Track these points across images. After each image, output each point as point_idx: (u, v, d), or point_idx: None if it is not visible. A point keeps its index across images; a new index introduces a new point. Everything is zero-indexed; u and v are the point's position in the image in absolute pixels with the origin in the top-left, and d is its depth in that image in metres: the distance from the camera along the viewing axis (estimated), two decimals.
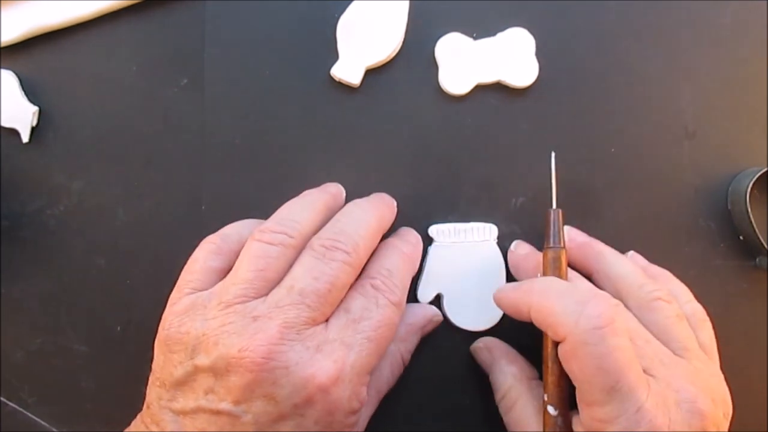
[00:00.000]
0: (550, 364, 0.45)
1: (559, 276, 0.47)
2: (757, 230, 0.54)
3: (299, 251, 0.44)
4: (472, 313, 0.53)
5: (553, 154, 0.53)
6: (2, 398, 0.55)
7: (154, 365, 0.44)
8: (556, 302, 0.43)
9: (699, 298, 0.54)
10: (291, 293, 0.41)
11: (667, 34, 0.56)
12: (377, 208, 0.49)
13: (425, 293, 0.53)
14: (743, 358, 0.56)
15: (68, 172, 0.56)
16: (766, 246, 0.54)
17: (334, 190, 0.52)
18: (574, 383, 0.42)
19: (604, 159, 0.55)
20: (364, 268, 0.46)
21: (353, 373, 0.42)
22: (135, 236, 0.56)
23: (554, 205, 0.51)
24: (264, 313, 0.41)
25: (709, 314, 0.54)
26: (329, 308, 0.43)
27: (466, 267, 0.53)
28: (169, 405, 0.42)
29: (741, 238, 0.56)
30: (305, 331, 0.41)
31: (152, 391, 0.43)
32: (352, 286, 0.45)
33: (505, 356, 0.51)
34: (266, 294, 0.42)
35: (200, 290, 0.44)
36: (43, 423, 0.55)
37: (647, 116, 0.56)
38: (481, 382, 0.53)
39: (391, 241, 0.50)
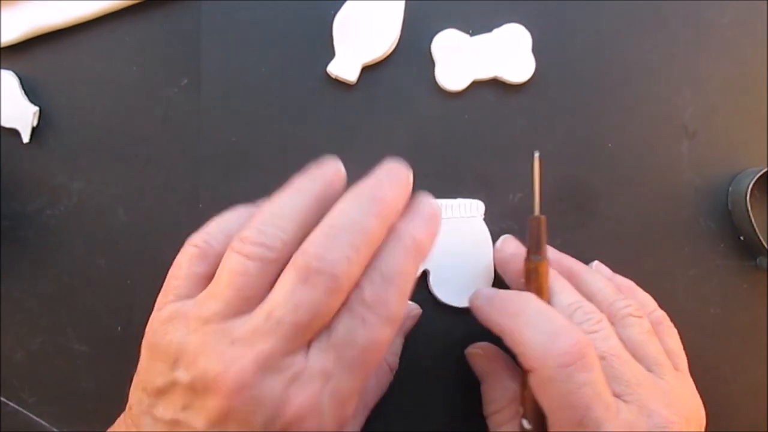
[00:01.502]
0: (526, 381, 0.44)
1: (539, 289, 0.46)
2: (757, 230, 0.54)
3: (284, 263, 0.40)
4: (459, 289, 0.53)
5: (536, 155, 0.48)
6: (2, 398, 0.55)
7: (139, 367, 0.42)
8: (527, 331, 0.42)
9: (699, 298, 0.54)
10: (269, 321, 0.37)
11: (667, 33, 0.56)
12: (381, 201, 0.41)
13: None
14: (743, 358, 0.56)
15: (68, 172, 0.56)
16: (766, 246, 0.54)
17: (330, 175, 0.44)
18: (544, 411, 0.42)
19: (602, 157, 0.55)
20: None
21: (332, 402, 0.39)
22: (135, 236, 0.56)
23: (536, 212, 0.47)
24: (242, 337, 0.37)
25: (709, 314, 0.54)
26: (311, 335, 0.38)
27: (453, 243, 0.53)
28: (150, 410, 0.40)
29: (741, 238, 0.56)
30: (282, 361, 0.38)
31: (135, 394, 0.42)
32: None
33: (506, 369, 0.49)
34: (246, 312, 0.39)
35: (185, 297, 0.41)
36: (43, 423, 0.55)
37: (646, 115, 0.56)
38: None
39: (399, 228, 0.42)
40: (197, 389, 0.38)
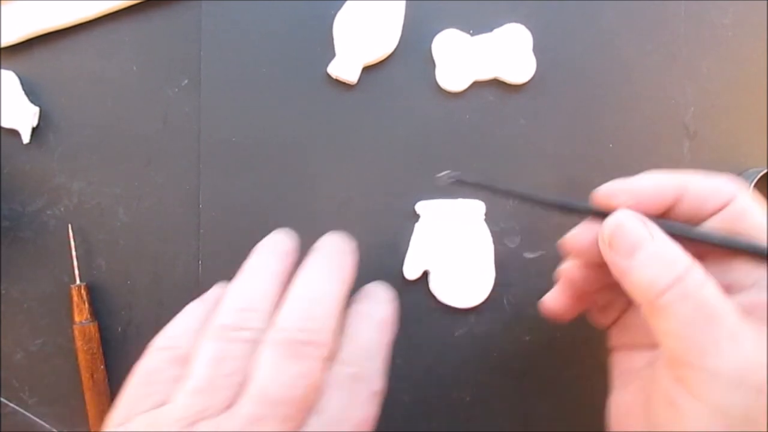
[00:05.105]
0: None
1: None
2: None
3: (258, 344, 0.38)
4: (459, 289, 0.53)
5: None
6: (2, 399, 0.55)
7: None
8: (707, 178, 0.40)
9: None
10: (264, 404, 0.35)
11: (667, 33, 0.56)
12: (340, 269, 0.42)
13: (412, 270, 0.53)
14: None
15: (68, 172, 0.56)
16: (766, 246, 0.54)
17: (284, 246, 0.44)
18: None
19: (602, 157, 0.55)
20: (336, 354, 0.39)
21: None
22: (135, 236, 0.56)
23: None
24: (241, 428, 0.35)
25: None
26: (307, 412, 0.37)
27: (453, 243, 0.53)
28: None
29: None
30: None
31: None
32: (326, 378, 0.38)
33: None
34: (233, 401, 0.36)
35: (162, 404, 0.37)
36: (43, 423, 0.55)
37: (647, 115, 0.56)
38: (471, 364, 0.54)
39: (362, 309, 0.43)
40: None
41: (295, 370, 0.36)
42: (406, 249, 0.53)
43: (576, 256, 0.44)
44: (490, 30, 0.54)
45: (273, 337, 0.37)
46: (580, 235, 0.43)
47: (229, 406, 0.36)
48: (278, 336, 0.37)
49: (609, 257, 0.39)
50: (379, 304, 0.43)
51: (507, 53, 0.54)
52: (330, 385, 0.38)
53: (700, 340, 0.34)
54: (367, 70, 0.54)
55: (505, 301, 0.54)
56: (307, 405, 0.36)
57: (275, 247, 0.43)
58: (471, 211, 0.53)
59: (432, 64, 0.54)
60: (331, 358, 0.38)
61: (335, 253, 0.43)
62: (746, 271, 0.38)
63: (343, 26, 0.53)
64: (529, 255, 0.54)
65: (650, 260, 0.37)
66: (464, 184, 0.43)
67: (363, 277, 0.55)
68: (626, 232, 0.38)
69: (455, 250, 0.52)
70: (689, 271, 0.36)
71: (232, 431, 0.34)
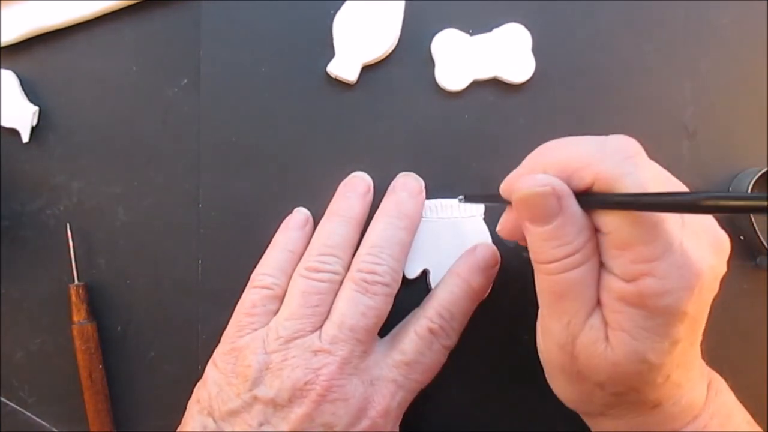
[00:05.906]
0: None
1: None
2: (757, 230, 0.53)
3: (341, 280, 0.48)
4: None
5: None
6: (2, 398, 0.55)
7: (201, 395, 0.47)
8: (573, 147, 0.41)
9: None
10: (342, 329, 0.45)
11: (667, 33, 0.56)
12: (406, 216, 0.50)
13: (411, 269, 0.53)
14: (743, 358, 0.56)
15: (68, 171, 0.56)
16: (766, 246, 0.54)
17: (365, 197, 0.52)
18: (605, 229, 0.37)
19: None
20: (426, 304, 0.50)
21: (398, 409, 0.47)
22: (135, 236, 0.56)
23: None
24: (322, 348, 0.45)
25: (710, 314, 0.54)
26: (374, 336, 0.48)
27: (453, 242, 0.53)
28: None
29: (741, 238, 0.56)
30: (360, 364, 0.46)
31: (196, 419, 0.46)
32: (410, 323, 0.49)
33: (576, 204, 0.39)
34: (320, 326, 0.46)
35: (259, 329, 0.48)
36: (43, 423, 0.55)
37: (646, 115, 0.56)
38: (471, 363, 0.54)
39: (462, 272, 0.51)
40: (280, 402, 0.44)
41: (365, 304, 0.46)
42: None
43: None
44: (490, 30, 0.54)
45: (351, 276, 0.47)
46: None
47: (315, 330, 0.46)
48: (354, 276, 0.47)
49: (517, 214, 0.41)
50: (480, 273, 0.51)
51: (506, 53, 0.54)
52: (414, 329, 0.48)
53: (543, 315, 0.42)
54: (366, 69, 0.54)
55: (504, 300, 0.54)
56: (376, 330, 0.47)
57: (357, 195, 0.52)
58: (470, 210, 0.53)
59: (431, 63, 0.54)
60: (398, 285, 0.48)
61: (404, 200, 0.51)
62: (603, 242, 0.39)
63: (343, 26, 0.53)
64: (527, 254, 0.54)
65: (545, 236, 0.39)
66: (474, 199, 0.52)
67: None
68: (536, 205, 0.39)
69: (455, 250, 0.52)
70: (571, 255, 0.39)
71: (318, 348, 0.45)
